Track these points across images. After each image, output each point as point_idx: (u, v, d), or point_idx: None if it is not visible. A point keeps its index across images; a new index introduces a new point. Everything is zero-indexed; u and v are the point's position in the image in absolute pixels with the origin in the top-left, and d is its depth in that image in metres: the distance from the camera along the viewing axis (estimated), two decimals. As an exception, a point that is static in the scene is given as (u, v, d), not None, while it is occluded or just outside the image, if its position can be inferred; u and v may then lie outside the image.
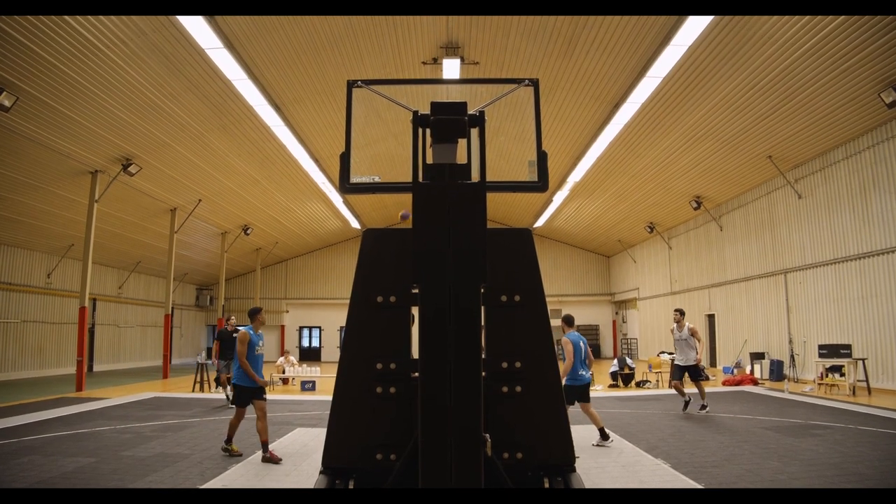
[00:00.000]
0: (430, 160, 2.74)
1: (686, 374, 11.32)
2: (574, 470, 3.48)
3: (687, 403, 11.24)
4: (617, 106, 15.77)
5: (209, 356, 15.76)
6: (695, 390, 11.55)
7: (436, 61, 14.33)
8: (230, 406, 10.38)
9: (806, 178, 16.95)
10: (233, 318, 12.00)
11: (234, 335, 11.47)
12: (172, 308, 23.50)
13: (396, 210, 29.81)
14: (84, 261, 17.06)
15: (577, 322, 35.49)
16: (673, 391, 15.12)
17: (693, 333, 11.17)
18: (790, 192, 17.55)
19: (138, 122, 14.76)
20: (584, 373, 8.27)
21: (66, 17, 10.54)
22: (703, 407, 10.96)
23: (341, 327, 29.57)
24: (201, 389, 15.98)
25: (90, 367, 23.94)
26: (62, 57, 11.61)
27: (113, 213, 19.54)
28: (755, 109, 14.47)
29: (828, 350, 14.62)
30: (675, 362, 11.56)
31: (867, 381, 13.65)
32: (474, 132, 2.78)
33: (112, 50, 11.84)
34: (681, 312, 11.59)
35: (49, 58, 11.50)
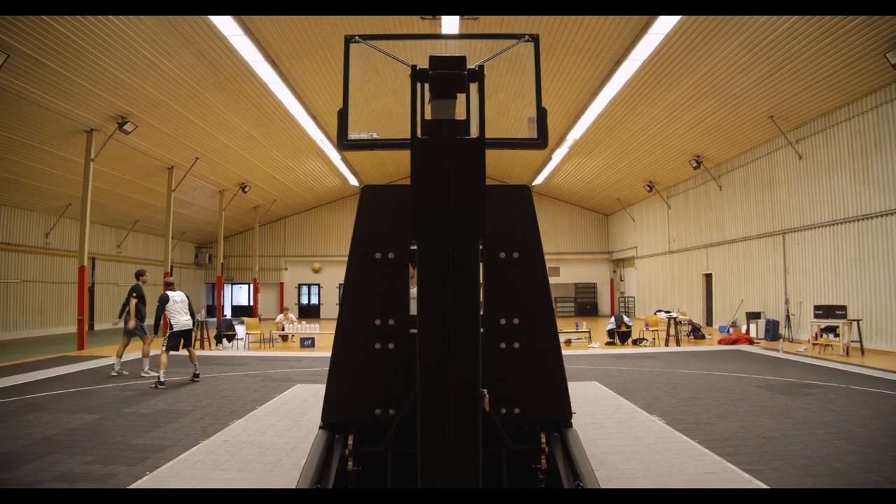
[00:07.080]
0: (428, 116, 2.69)
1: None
2: (571, 426, 3.54)
3: (159, 383, 9.88)
4: (618, 63, 15.50)
5: (209, 314, 15.83)
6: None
7: (434, 16, 14.04)
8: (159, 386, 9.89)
9: (807, 139, 16.80)
10: None
11: None
12: (171, 266, 23.53)
13: (395, 167, 29.69)
14: (82, 220, 16.99)
15: (574, 280, 35.55)
16: (671, 349, 15.22)
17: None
18: (791, 152, 17.42)
19: (133, 79, 14.50)
20: None
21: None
22: (161, 382, 9.82)
23: (340, 284, 29.67)
24: (201, 346, 16.19)
25: (91, 326, 24.10)
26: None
27: (110, 171, 19.38)
28: (758, 69, 14.23)
29: (823, 311, 14.72)
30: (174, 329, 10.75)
31: (861, 341, 13.79)
32: (473, 88, 2.73)
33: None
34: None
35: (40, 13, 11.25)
